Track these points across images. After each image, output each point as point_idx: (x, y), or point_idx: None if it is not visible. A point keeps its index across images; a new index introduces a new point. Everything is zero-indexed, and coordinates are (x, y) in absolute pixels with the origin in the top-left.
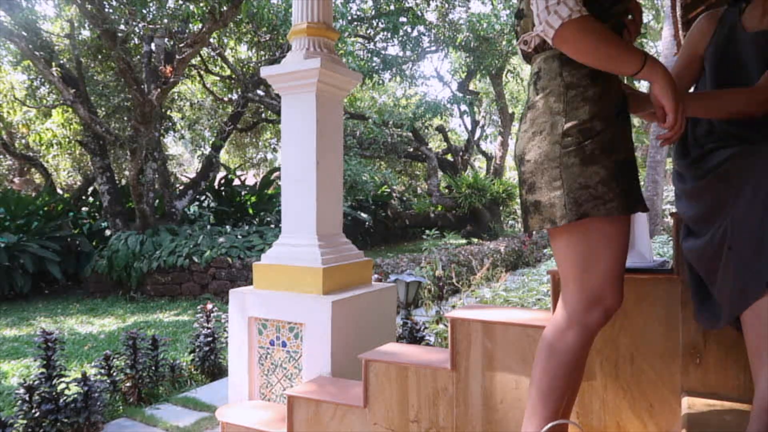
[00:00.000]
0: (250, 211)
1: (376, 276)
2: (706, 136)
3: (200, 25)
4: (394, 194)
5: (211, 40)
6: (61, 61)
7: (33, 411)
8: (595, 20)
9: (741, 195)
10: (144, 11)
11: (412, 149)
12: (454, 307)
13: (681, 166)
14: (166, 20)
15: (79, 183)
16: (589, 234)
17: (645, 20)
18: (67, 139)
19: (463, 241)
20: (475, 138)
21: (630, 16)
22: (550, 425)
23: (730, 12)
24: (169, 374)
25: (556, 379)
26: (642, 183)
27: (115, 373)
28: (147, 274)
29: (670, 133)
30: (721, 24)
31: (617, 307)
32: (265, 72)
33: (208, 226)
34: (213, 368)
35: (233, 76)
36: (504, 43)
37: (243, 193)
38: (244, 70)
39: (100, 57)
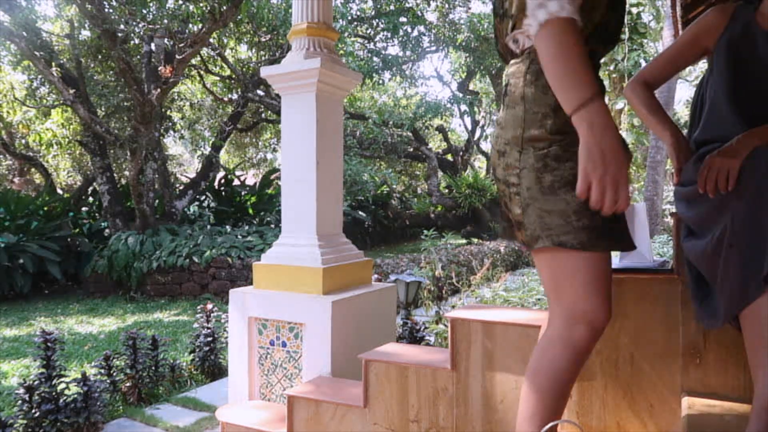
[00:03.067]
0: (250, 211)
1: (376, 276)
2: (703, 143)
3: (200, 25)
4: (394, 194)
5: (211, 40)
6: (61, 61)
7: (33, 411)
8: (575, 27)
9: (743, 195)
10: (144, 11)
11: (412, 149)
12: (454, 307)
13: (679, 171)
14: (166, 20)
15: (79, 183)
16: (558, 256)
17: (645, 20)
18: (67, 139)
19: (463, 241)
20: (475, 138)
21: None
22: (549, 426)
23: (742, 9)
24: (169, 374)
25: (542, 402)
26: (642, 183)
27: (115, 373)
28: (147, 274)
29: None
30: (733, 20)
31: (605, 321)
32: (265, 72)
33: (208, 226)
34: (213, 368)
35: (233, 76)
36: None
37: (243, 193)
38: (244, 70)
39: (100, 57)
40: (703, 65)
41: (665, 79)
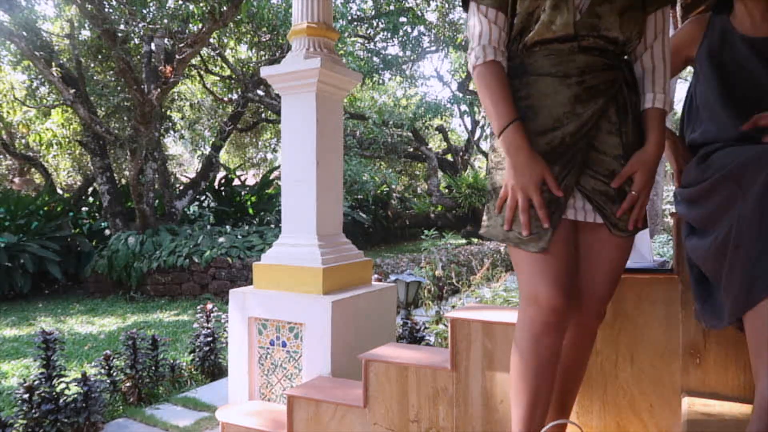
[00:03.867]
0: (250, 211)
1: (376, 276)
2: (702, 144)
3: (200, 25)
4: (394, 194)
5: (211, 40)
6: (61, 61)
7: (33, 411)
8: (493, 68)
9: (749, 194)
10: (144, 11)
11: (412, 149)
12: (454, 307)
13: (680, 172)
14: (166, 20)
15: (79, 183)
16: (513, 249)
17: None
18: (67, 139)
19: (463, 241)
20: (475, 138)
21: None
22: (550, 425)
23: (716, 18)
24: (169, 374)
25: (519, 382)
26: None
27: (115, 373)
28: (147, 274)
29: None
30: (710, 29)
31: (555, 304)
32: (265, 72)
33: (208, 226)
34: (213, 368)
35: (233, 76)
36: None
37: (243, 193)
38: (244, 70)
39: (100, 57)
40: None
41: None
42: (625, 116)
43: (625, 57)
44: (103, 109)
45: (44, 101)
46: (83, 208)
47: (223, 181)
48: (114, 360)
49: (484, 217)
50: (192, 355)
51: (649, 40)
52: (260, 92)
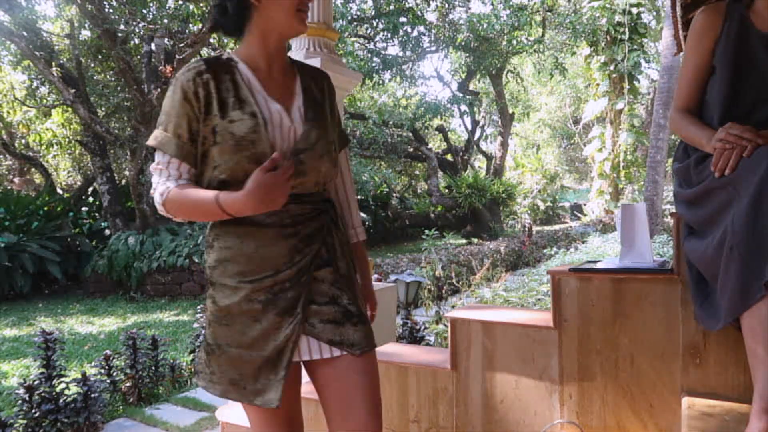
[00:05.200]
0: None
1: (376, 276)
2: None
3: (200, 25)
4: (394, 194)
5: (211, 40)
6: (61, 61)
7: (33, 411)
8: (180, 190)
9: (743, 196)
10: (144, 11)
11: (412, 149)
12: (454, 307)
13: (680, 172)
14: (166, 20)
15: (79, 183)
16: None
17: (645, 20)
18: (67, 139)
19: (463, 241)
20: (475, 138)
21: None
22: (549, 425)
23: (734, 6)
24: (169, 374)
25: None
26: (642, 183)
27: (115, 373)
28: (147, 274)
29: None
30: (729, 19)
31: None
32: None
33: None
34: None
35: None
36: (504, 43)
37: None
38: None
39: (100, 57)
40: None
41: (698, 97)
42: (333, 253)
43: (328, 196)
44: (103, 109)
45: (44, 101)
46: (83, 208)
47: None
48: (114, 360)
49: (200, 368)
50: (192, 355)
51: (338, 177)
52: None
